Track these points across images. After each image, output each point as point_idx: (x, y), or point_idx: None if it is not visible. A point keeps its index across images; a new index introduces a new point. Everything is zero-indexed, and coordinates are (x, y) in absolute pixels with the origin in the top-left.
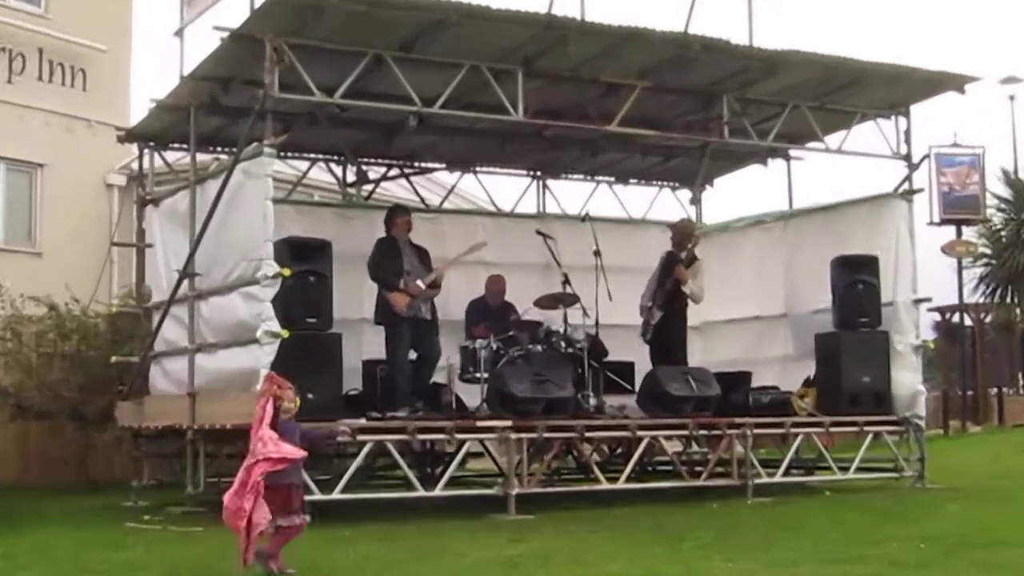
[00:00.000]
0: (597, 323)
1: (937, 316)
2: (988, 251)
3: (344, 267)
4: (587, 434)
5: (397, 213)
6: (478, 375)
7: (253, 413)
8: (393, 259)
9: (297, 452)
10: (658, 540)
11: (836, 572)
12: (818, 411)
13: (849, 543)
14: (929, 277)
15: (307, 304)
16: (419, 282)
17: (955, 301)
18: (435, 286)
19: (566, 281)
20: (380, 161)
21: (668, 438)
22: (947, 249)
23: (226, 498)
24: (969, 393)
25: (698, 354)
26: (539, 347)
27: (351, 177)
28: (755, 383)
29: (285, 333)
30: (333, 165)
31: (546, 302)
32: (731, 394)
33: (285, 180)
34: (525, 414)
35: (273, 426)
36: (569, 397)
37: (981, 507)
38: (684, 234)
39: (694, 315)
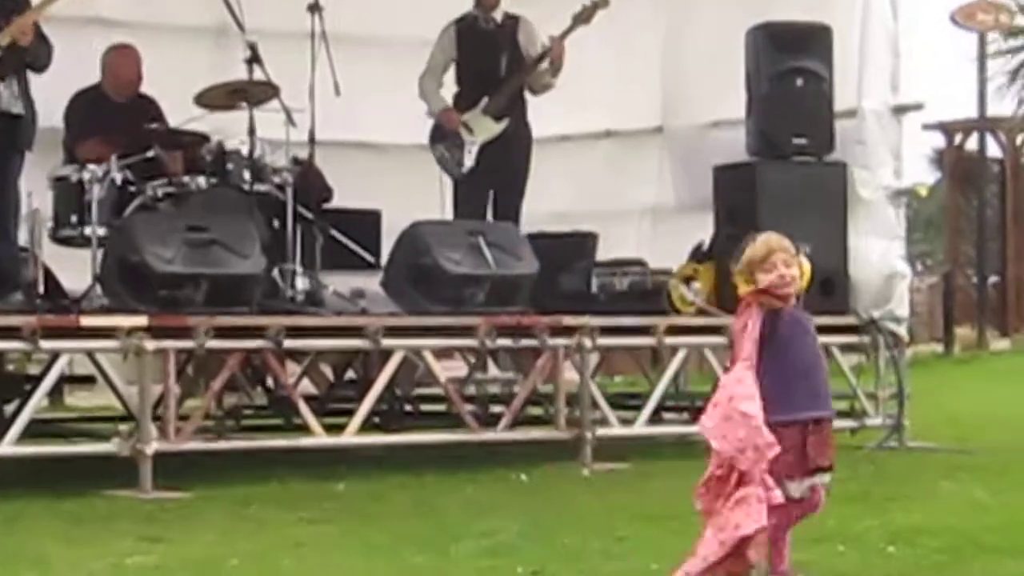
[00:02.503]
0: (312, 139)
1: (939, 139)
2: None
3: None
4: (289, 343)
5: None
6: (86, 231)
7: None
8: None
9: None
10: (417, 540)
11: None
12: (715, 307)
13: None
14: (926, 69)
15: None
16: None
17: (972, 114)
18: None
19: (254, 59)
20: None
21: (442, 353)
22: (960, 18)
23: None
24: (992, 280)
25: None
26: (202, 180)
27: None
28: (603, 254)
29: None
30: None
31: (218, 97)
32: (559, 273)
33: None
34: (173, 304)
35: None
36: (256, 274)
37: (1002, 484)
38: None
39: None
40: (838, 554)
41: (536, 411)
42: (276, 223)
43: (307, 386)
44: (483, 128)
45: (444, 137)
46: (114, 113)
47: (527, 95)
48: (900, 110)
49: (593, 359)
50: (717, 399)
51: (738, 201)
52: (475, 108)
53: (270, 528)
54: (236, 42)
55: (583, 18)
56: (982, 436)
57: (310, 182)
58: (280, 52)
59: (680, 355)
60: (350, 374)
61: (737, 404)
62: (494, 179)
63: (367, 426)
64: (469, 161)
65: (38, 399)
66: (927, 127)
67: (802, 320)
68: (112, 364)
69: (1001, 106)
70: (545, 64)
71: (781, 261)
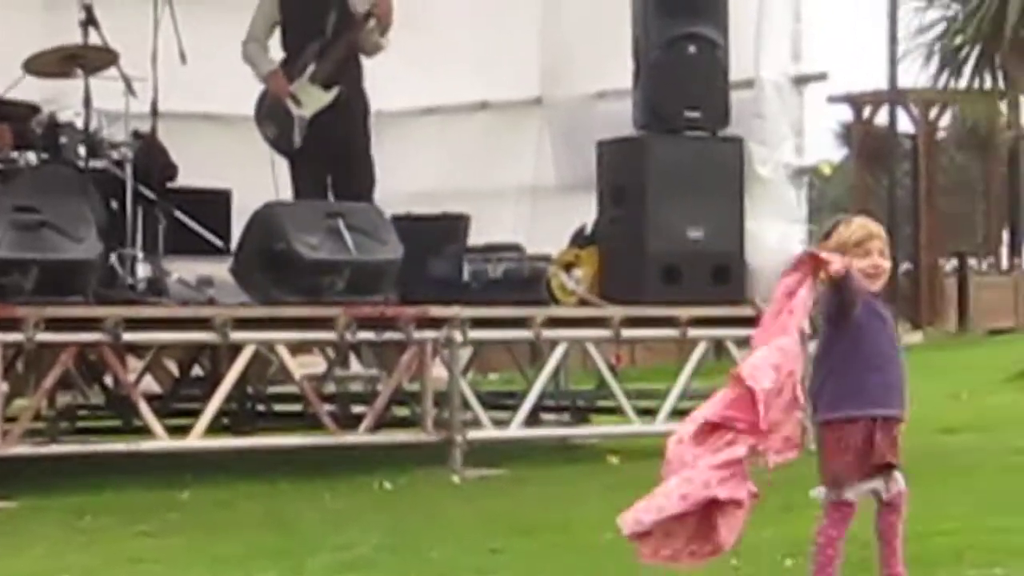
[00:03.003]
0: (155, 110)
1: (846, 112)
2: None
3: None
4: (129, 336)
5: None
6: None
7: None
8: None
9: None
10: (268, 553)
11: None
12: (599, 296)
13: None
14: (832, 37)
15: None
16: None
17: (883, 85)
18: None
19: (90, 21)
20: None
21: (298, 348)
22: None
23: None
24: (904, 268)
25: None
26: (31, 156)
27: None
28: (476, 238)
29: None
30: None
31: (49, 64)
32: (426, 259)
33: None
34: None
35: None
36: (91, 260)
37: (909, 492)
38: None
39: None
40: (731, 568)
41: (401, 411)
42: (114, 204)
43: (149, 384)
44: (312, 98)
45: (269, 111)
46: None
47: (363, 60)
48: (802, 80)
49: (464, 354)
50: (774, 361)
51: (624, 180)
52: (302, 76)
53: (106, 541)
54: (70, 2)
55: None
56: None
57: (152, 158)
58: (119, 14)
59: (560, 349)
60: (196, 371)
61: (795, 381)
62: (328, 156)
63: (215, 428)
64: (298, 137)
65: None
66: (832, 99)
67: (881, 311)
68: None
69: (916, 80)
70: (373, 22)
71: (877, 250)
